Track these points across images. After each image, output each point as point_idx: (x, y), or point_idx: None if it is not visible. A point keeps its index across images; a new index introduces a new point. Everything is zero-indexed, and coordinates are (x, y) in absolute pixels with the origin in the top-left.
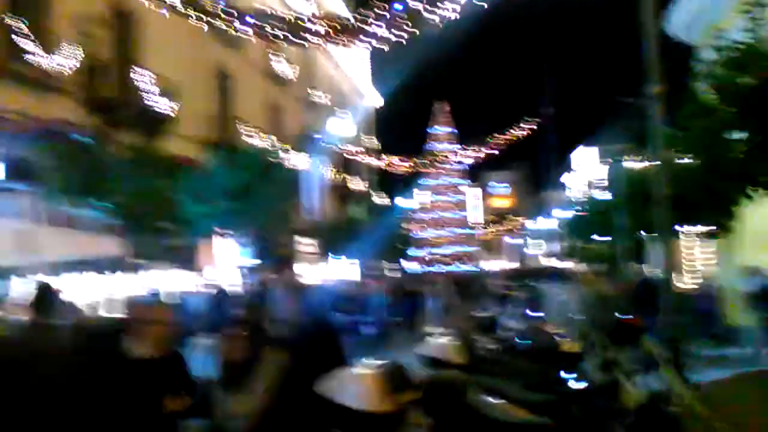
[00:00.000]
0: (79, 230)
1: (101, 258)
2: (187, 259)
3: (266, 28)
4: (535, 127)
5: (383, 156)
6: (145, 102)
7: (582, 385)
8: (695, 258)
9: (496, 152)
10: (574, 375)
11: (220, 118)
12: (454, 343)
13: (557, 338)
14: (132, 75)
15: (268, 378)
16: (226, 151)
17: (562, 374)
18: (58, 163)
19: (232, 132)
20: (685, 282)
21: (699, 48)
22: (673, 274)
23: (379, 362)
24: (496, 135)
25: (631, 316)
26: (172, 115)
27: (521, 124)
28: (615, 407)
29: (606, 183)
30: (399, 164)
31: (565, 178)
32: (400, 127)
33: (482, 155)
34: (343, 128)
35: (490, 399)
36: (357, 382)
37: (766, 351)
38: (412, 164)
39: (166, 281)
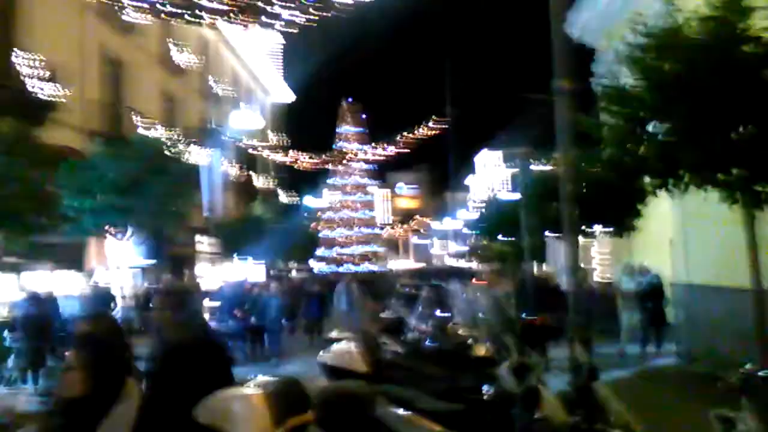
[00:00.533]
0: None
1: None
2: (73, 259)
3: (158, 5)
4: (444, 127)
5: (290, 152)
6: (25, 86)
7: (495, 392)
8: (592, 257)
9: (405, 151)
10: (487, 382)
11: (110, 108)
12: (357, 350)
13: (468, 341)
14: (11, 57)
15: (125, 422)
16: (113, 142)
17: (474, 381)
18: None
19: (124, 123)
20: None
21: (599, 51)
22: (569, 274)
23: (270, 379)
24: (405, 134)
25: (534, 317)
26: (56, 101)
27: (429, 124)
28: (534, 418)
29: (508, 184)
30: (306, 161)
31: (469, 180)
32: (310, 125)
33: (391, 154)
34: (247, 122)
35: (397, 411)
36: (243, 405)
37: (649, 348)
38: (320, 161)
39: (46, 282)
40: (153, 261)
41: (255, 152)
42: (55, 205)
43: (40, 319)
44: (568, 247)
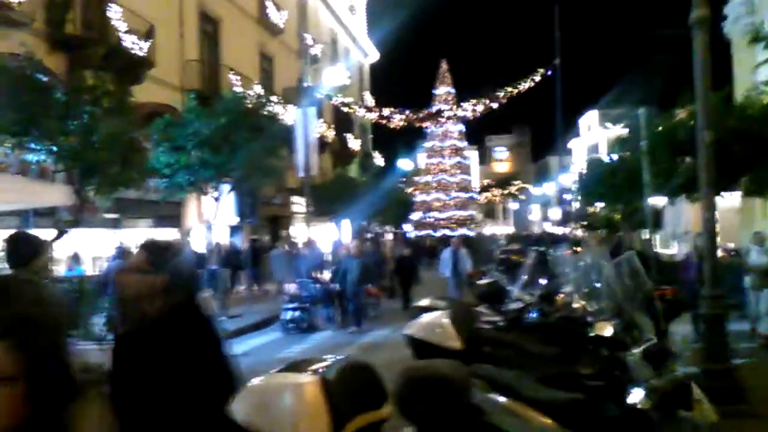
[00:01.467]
0: (32, 178)
1: (58, 209)
2: (171, 216)
3: None
4: (549, 75)
5: (386, 110)
6: (121, 42)
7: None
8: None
9: (498, 105)
10: (612, 367)
11: (207, 66)
12: (449, 322)
13: (586, 317)
14: (107, 12)
15: None
16: (208, 99)
17: (594, 365)
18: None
19: (221, 82)
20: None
21: None
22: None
23: (334, 361)
24: (501, 89)
25: (665, 287)
26: (152, 59)
27: (536, 77)
28: (678, 418)
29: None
30: (402, 118)
31: (572, 143)
32: (396, 84)
33: (484, 110)
34: (342, 80)
35: (497, 398)
36: (293, 398)
37: None
38: (416, 118)
39: (137, 239)
40: (248, 220)
41: (349, 110)
42: (142, 159)
43: None
44: (705, 210)
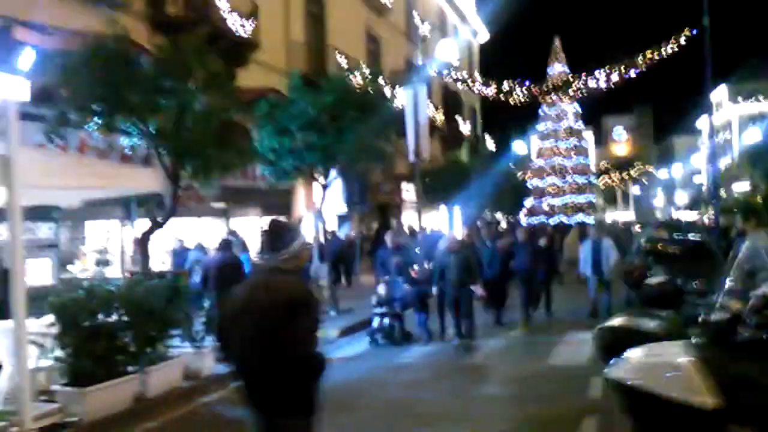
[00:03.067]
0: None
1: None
2: (281, 205)
3: None
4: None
5: (498, 82)
6: (225, 23)
7: None
8: None
9: (636, 73)
10: None
11: (310, 47)
12: (688, 363)
13: None
14: None
15: None
16: (309, 79)
17: None
18: (91, 78)
19: (328, 64)
20: None
21: None
22: None
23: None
24: (635, 56)
25: None
26: (257, 40)
27: (674, 40)
28: None
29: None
30: (516, 91)
31: (701, 121)
32: (506, 65)
33: (604, 85)
34: (450, 56)
35: None
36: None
37: None
38: (531, 91)
39: (244, 229)
40: (358, 208)
41: (464, 85)
42: (243, 141)
43: (232, 267)
44: None
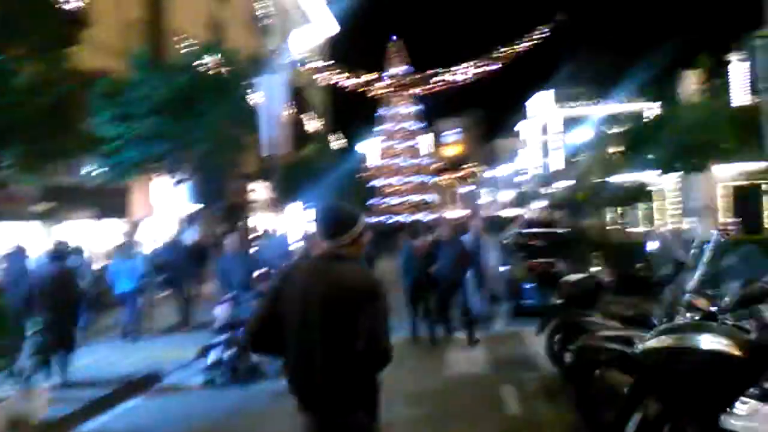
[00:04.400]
0: None
1: None
2: (115, 206)
3: None
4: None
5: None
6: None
7: None
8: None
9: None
10: None
11: (148, 29)
12: None
13: None
14: None
15: None
16: (158, 63)
17: None
18: None
19: (168, 50)
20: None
21: None
22: None
23: None
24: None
25: None
26: (87, 17)
27: (530, 38)
28: None
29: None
30: (382, 83)
31: (520, 125)
32: (357, 59)
33: (480, 73)
34: (296, 51)
35: None
36: None
37: None
38: (397, 82)
39: (77, 235)
40: (205, 207)
41: (312, 79)
42: (78, 124)
43: (63, 283)
44: None
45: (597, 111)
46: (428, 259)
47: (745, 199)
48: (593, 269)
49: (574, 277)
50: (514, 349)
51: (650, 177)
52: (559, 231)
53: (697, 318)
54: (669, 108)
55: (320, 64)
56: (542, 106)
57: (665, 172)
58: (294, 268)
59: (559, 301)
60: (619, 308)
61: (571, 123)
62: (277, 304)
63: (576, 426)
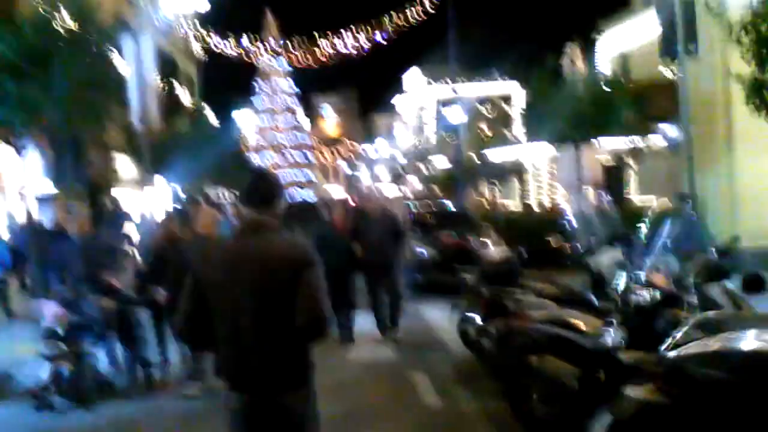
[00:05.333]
0: None
1: None
2: None
3: None
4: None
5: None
6: None
7: None
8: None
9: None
10: None
11: None
12: None
13: None
14: None
15: None
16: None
17: None
18: None
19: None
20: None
21: None
22: None
23: None
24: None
25: None
26: None
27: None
28: None
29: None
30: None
31: (396, 99)
32: (233, 25)
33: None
34: (168, 12)
35: None
36: None
37: None
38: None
39: None
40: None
41: (185, 48)
42: None
43: None
44: None
45: (469, 89)
46: (350, 237)
47: (610, 173)
48: (494, 244)
49: (496, 251)
50: (421, 331)
51: (523, 153)
52: (450, 207)
53: (658, 297)
54: (553, 84)
55: (194, 29)
56: (415, 82)
57: (561, 143)
58: (213, 246)
59: (474, 278)
60: (547, 287)
61: (444, 100)
62: (201, 290)
63: (503, 418)
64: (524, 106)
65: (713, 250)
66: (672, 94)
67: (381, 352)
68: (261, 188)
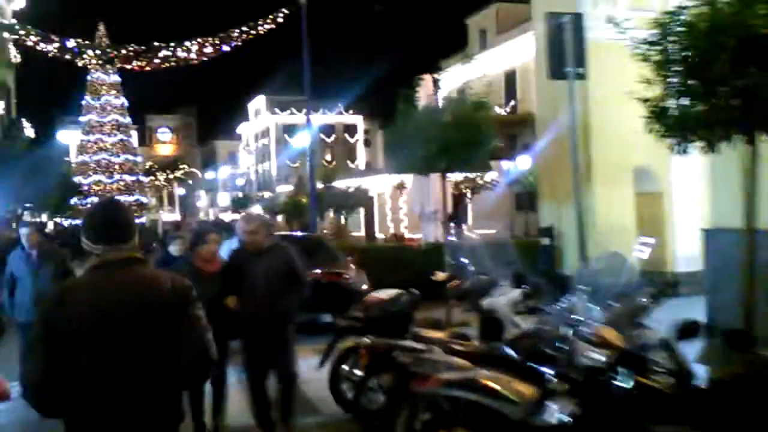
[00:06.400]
0: None
1: None
2: None
3: None
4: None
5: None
6: None
7: None
8: None
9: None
10: None
11: None
12: None
13: None
14: None
15: None
16: None
17: None
18: None
19: None
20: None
21: None
22: None
23: None
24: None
25: None
26: None
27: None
28: None
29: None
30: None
31: (241, 127)
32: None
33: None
34: None
35: None
36: None
37: None
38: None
39: None
40: None
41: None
42: None
43: None
44: None
45: (313, 119)
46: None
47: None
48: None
49: (384, 291)
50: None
51: (370, 182)
52: (299, 235)
53: (612, 359)
54: (410, 113)
55: (9, 25)
56: (260, 110)
57: (430, 171)
58: (66, 289)
59: (352, 322)
60: (449, 337)
61: (288, 129)
62: (58, 340)
63: None
64: (380, 136)
65: (648, 291)
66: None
67: (239, 410)
68: (119, 221)
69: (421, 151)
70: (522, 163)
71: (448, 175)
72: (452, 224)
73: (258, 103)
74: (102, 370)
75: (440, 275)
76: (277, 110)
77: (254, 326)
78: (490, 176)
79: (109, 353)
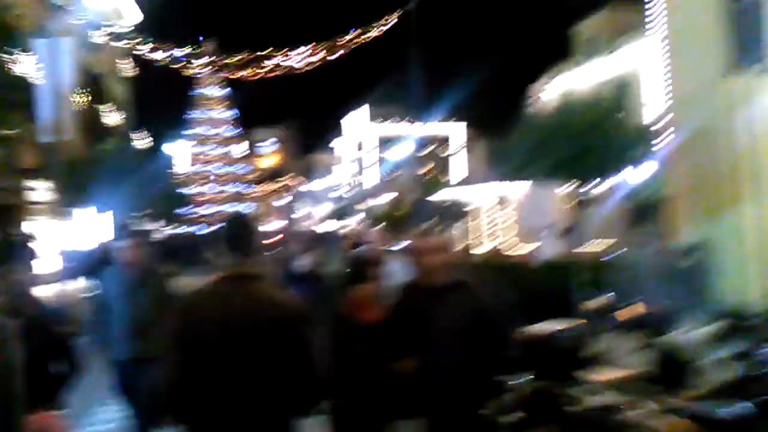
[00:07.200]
0: None
1: None
2: None
3: None
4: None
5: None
6: None
7: None
8: None
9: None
10: None
11: None
12: None
13: None
14: None
15: None
16: None
17: None
18: None
19: None
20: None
21: None
22: None
23: None
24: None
25: None
26: None
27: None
28: None
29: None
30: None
31: (335, 142)
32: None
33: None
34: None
35: None
36: None
37: None
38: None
39: None
40: None
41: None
42: None
43: None
44: None
45: (411, 130)
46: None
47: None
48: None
49: (545, 324)
50: None
51: (465, 195)
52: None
53: None
54: (535, 120)
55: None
56: (357, 123)
57: (559, 178)
58: (196, 298)
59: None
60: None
61: (386, 140)
62: (186, 350)
63: None
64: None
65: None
66: None
67: None
68: (249, 235)
69: (548, 159)
70: (640, 173)
71: (562, 186)
72: (567, 239)
73: (354, 115)
74: (221, 381)
75: (592, 302)
76: (377, 120)
77: (437, 400)
78: (604, 187)
79: (230, 364)
